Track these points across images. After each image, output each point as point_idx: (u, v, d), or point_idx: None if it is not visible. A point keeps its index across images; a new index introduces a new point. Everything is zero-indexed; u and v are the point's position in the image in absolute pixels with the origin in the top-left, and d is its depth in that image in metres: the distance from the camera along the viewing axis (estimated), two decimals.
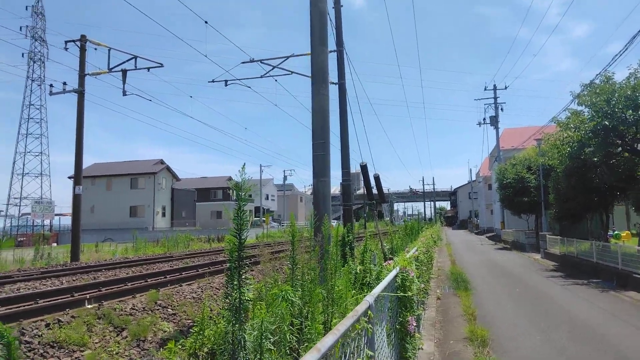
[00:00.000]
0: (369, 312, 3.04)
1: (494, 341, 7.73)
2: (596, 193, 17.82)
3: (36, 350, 6.98)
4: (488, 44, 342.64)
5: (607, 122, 15.50)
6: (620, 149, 16.70)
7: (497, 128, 42.38)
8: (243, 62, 19.24)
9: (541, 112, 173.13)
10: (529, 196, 28.56)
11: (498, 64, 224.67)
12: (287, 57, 18.95)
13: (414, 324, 5.18)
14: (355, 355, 2.74)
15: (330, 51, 12.82)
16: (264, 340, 3.27)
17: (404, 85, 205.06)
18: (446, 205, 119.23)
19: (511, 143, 41.25)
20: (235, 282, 3.41)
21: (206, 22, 16.62)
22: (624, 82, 15.86)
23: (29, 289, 11.44)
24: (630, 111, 15.13)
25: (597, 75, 17.08)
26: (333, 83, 14.98)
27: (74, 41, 21.20)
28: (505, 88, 43.10)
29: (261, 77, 19.25)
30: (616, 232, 17.96)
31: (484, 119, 43.73)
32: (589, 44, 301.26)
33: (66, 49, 21.19)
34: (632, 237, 17.83)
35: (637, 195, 15.54)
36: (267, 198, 75.23)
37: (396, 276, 5.06)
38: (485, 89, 43.21)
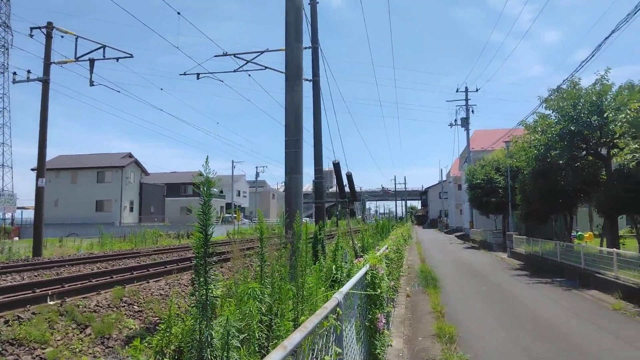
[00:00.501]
0: (338, 309, 3.01)
1: (461, 338, 7.85)
2: (561, 195, 18.33)
3: None
4: (462, 46, 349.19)
5: (572, 127, 15.97)
6: (584, 152, 17.23)
7: (467, 130, 43.20)
8: (216, 56, 18.98)
9: (511, 115, 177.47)
10: (497, 197, 29.21)
11: (470, 66, 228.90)
12: (261, 52, 18.79)
13: (383, 321, 5.19)
14: (324, 352, 2.71)
15: (305, 48, 12.77)
16: (230, 338, 3.21)
17: (378, 84, 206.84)
18: (417, 204, 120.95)
19: (481, 144, 42.09)
20: (202, 279, 3.34)
21: (179, 13, 16.30)
22: (590, 87, 16.35)
23: None
24: (595, 116, 15.62)
25: (564, 80, 17.60)
26: (307, 80, 14.94)
27: (39, 28, 20.46)
28: (477, 90, 43.99)
29: (234, 71, 19.03)
30: (579, 233, 18.53)
31: (456, 120, 44.52)
32: (559, 51, 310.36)
33: (31, 36, 20.42)
34: (594, 238, 18.41)
35: (600, 198, 16.04)
36: (238, 194, 74.57)
37: (366, 273, 5.06)
38: (457, 91, 43.99)
